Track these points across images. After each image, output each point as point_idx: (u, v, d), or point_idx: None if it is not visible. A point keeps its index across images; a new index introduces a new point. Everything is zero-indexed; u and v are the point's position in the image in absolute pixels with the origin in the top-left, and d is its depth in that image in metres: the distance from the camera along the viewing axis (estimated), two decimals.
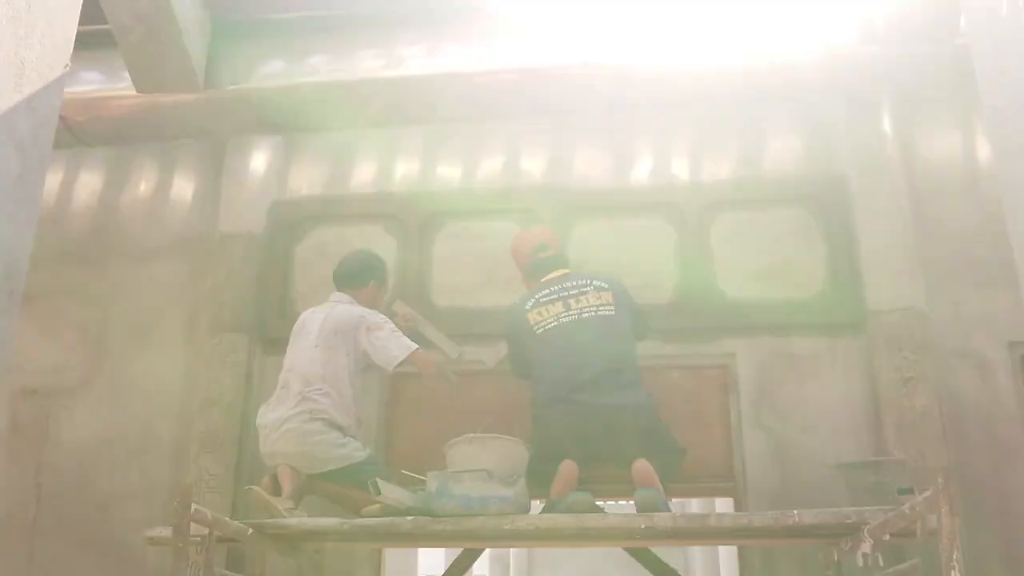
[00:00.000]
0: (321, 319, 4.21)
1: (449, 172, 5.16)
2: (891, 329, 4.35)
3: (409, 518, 3.51)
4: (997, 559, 4.09)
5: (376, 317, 4.23)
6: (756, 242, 4.78)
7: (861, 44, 4.36)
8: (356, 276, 4.40)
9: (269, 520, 3.68)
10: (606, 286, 4.14)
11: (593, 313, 4.03)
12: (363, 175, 5.17)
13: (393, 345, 4.12)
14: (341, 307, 4.27)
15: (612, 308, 4.07)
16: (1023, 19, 2.32)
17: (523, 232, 4.43)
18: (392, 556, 5.92)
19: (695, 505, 10.64)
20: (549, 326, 4.02)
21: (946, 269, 4.59)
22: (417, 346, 4.16)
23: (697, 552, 14.76)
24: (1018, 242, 2.43)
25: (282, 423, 3.97)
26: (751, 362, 4.57)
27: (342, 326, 4.17)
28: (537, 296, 4.14)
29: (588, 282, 4.14)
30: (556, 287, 4.14)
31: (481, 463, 3.54)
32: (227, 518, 3.57)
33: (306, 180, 5.21)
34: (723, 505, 7.77)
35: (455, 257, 4.95)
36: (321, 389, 4.01)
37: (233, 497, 4.49)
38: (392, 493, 3.52)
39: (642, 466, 3.71)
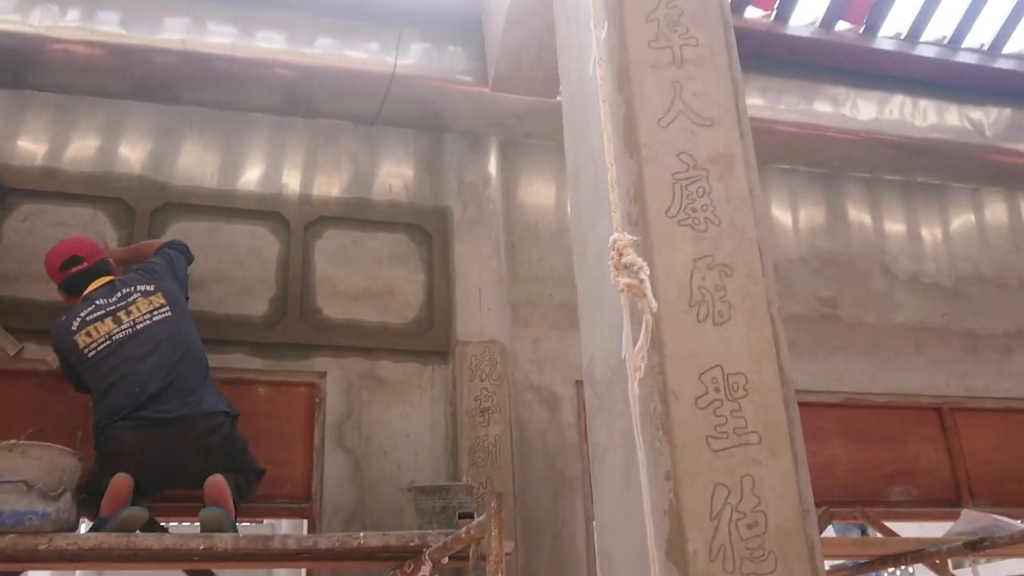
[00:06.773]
0: None
1: (32, 146, 4.60)
2: (474, 360, 4.56)
3: None
4: None
5: None
6: (359, 263, 4.80)
7: (475, 85, 4.57)
8: None
9: None
10: (152, 288, 3.79)
11: (148, 322, 3.68)
12: None
13: None
14: None
15: (167, 309, 3.75)
16: (599, 80, 2.52)
17: (51, 249, 3.94)
18: None
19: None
20: (102, 347, 3.60)
21: (529, 308, 4.93)
22: None
23: (283, 572, 14.44)
24: (582, 288, 2.62)
25: None
26: (340, 382, 4.55)
27: None
28: (82, 315, 3.68)
29: (133, 288, 3.77)
30: (101, 301, 3.72)
31: (20, 473, 3.10)
32: None
33: None
34: (299, 527, 7.66)
35: (28, 244, 4.38)
36: None
37: None
38: None
39: (215, 482, 3.47)
